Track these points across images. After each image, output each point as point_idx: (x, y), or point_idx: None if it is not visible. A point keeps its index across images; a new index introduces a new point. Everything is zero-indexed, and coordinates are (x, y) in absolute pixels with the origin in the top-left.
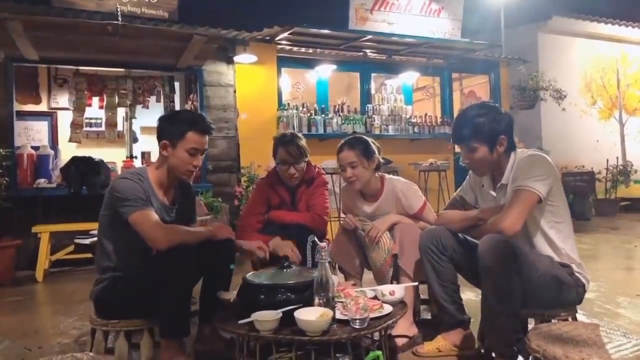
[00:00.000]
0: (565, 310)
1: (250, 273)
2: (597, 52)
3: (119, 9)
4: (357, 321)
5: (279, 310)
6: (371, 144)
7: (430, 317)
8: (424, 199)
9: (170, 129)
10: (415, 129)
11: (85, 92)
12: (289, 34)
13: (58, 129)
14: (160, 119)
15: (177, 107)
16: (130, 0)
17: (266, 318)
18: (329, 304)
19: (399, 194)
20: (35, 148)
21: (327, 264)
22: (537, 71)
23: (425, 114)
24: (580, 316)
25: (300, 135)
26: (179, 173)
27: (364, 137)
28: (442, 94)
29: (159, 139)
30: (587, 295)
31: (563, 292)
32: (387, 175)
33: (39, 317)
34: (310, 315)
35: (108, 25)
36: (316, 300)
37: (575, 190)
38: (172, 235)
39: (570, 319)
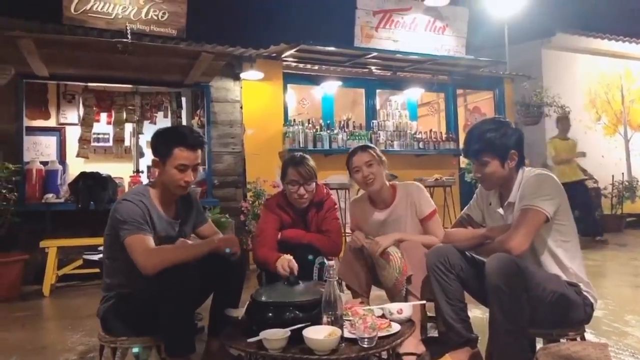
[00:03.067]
0: (573, 329)
1: (259, 291)
2: (601, 68)
3: (128, 27)
4: (366, 340)
5: (288, 329)
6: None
7: (437, 335)
8: (434, 206)
9: (159, 146)
10: (420, 145)
11: (94, 108)
12: (295, 51)
13: (66, 144)
14: (152, 136)
15: (184, 123)
16: (140, 18)
17: (275, 337)
18: (337, 322)
19: (414, 197)
20: (44, 163)
21: (335, 283)
22: (542, 87)
23: (430, 130)
24: (588, 335)
25: (308, 156)
26: (171, 189)
27: None
28: (447, 109)
29: (154, 156)
30: (594, 314)
31: (571, 311)
32: (397, 182)
33: (47, 333)
34: (319, 334)
35: (118, 43)
36: (324, 319)
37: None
38: (157, 260)
39: (578, 338)
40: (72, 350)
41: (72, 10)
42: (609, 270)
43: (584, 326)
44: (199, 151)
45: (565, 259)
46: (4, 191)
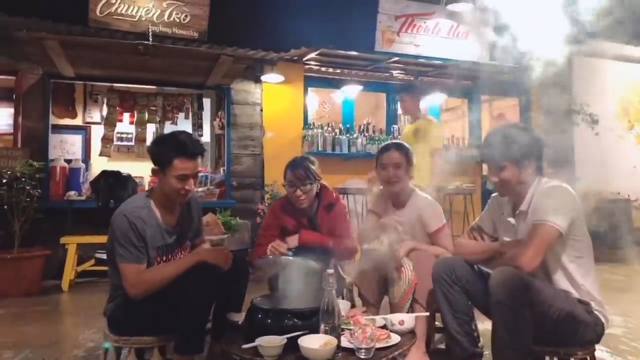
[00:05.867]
0: (582, 348)
1: (259, 297)
2: (635, 76)
3: (150, 30)
4: (363, 351)
5: (284, 337)
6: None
7: (444, 347)
8: (444, 222)
9: (158, 155)
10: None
11: (117, 108)
12: (316, 55)
13: (91, 142)
14: (151, 144)
15: (206, 125)
16: (162, 20)
17: (270, 344)
18: (335, 331)
19: (422, 213)
20: (69, 161)
21: (333, 291)
22: (570, 95)
23: (452, 136)
24: (603, 354)
25: (312, 159)
26: (172, 197)
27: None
28: (471, 116)
29: (153, 164)
30: (613, 331)
31: (580, 330)
32: (417, 190)
33: (61, 328)
34: (314, 343)
35: (139, 45)
36: (322, 328)
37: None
38: (143, 288)
39: (588, 358)
40: (81, 347)
41: (98, 13)
42: (635, 285)
43: (594, 346)
44: (199, 159)
45: (577, 275)
46: (27, 188)
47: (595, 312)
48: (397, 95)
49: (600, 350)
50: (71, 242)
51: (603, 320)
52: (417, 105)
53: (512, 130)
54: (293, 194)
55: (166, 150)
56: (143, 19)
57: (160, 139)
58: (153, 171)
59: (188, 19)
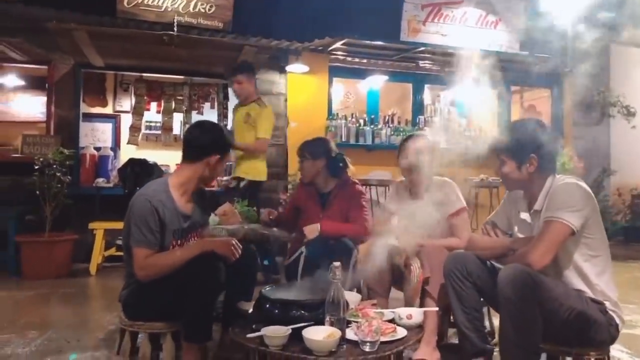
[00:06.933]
0: (596, 349)
1: (268, 287)
2: None
3: (176, 20)
4: (367, 344)
5: (289, 327)
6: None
7: (457, 342)
8: (464, 205)
9: (222, 143)
10: (468, 142)
11: (145, 97)
12: (341, 45)
13: (121, 131)
14: (214, 131)
15: (231, 115)
16: (188, 11)
17: (275, 334)
18: (340, 323)
19: (439, 194)
20: (98, 149)
21: (339, 284)
22: (606, 86)
23: (480, 127)
24: (623, 354)
25: (322, 138)
26: (206, 182)
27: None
28: (500, 107)
29: (208, 151)
30: (635, 331)
31: (592, 331)
32: (434, 178)
33: (85, 311)
34: (318, 335)
35: (164, 35)
36: (327, 319)
37: None
38: (152, 272)
39: (606, 358)
40: (102, 329)
41: (125, 4)
42: None
43: (608, 347)
44: None
45: (591, 274)
46: (58, 174)
47: (610, 312)
48: (231, 76)
49: (619, 351)
50: (99, 228)
51: (618, 320)
52: (253, 87)
53: (517, 126)
54: (299, 169)
55: (226, 139)
56: (169, 9)
57: (219, 128)
58: (213, 158)
59: (213, 9)
